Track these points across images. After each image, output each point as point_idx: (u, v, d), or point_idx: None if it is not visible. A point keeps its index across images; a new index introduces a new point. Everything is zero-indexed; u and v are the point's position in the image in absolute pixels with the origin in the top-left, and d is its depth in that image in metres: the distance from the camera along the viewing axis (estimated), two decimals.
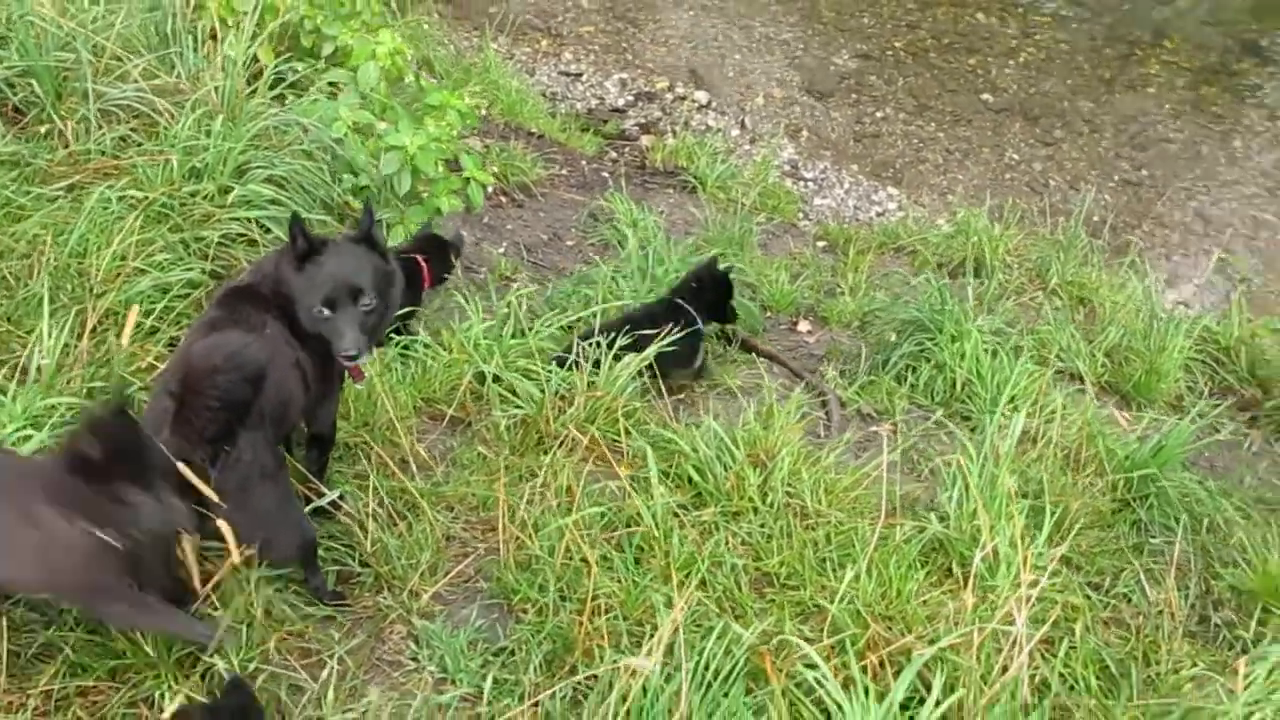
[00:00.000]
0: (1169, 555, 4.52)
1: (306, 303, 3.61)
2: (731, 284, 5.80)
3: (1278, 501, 5.77)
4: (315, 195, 5.48)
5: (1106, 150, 10.86)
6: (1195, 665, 4.01)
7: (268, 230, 5.14)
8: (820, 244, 8.30)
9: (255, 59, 5.74)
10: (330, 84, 5.93)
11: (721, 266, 5.83)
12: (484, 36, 9.77)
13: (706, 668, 3.46)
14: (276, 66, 5.76)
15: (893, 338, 6.38)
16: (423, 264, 5.26)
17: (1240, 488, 5.81)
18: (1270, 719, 3.71)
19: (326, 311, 3.60)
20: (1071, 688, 3.84)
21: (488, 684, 3.47)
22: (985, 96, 11.47)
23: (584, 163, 8.52)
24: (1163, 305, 7.77)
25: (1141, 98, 11.65)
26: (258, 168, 5.25)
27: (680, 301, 5.51)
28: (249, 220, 5.09)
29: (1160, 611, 4.31)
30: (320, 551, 3.77)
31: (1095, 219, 8.84)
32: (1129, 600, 4.46)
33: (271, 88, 5.71)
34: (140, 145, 5.21)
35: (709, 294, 5.67)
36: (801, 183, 9.95)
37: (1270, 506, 5.69)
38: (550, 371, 4.79)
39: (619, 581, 3.91)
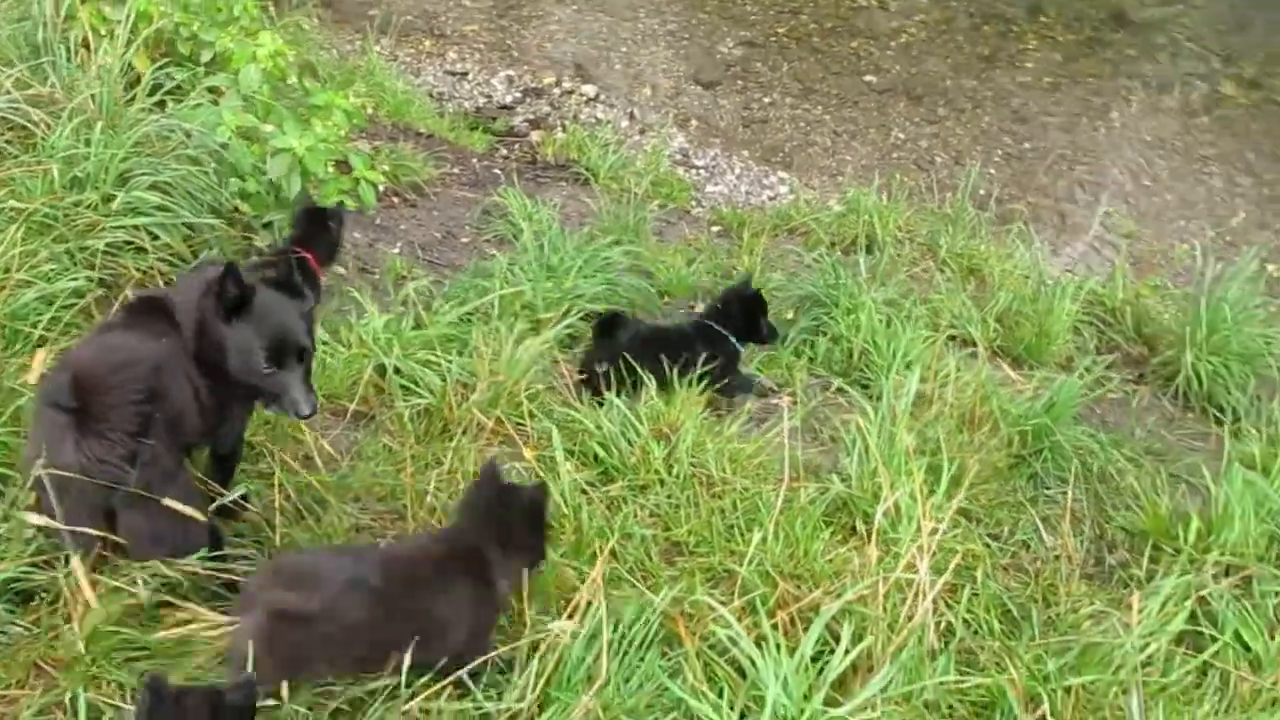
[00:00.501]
0: (1063, 504, 4.66)
1: (247, 360, 3.52)
2: (764, 301, 5.68)
3: (1165, 451, 5.96)
4: (202, 200, 5.42)
5: (989, 125, 11.11)
6: (1092, 604, 4.14)
7: (156, 237, 5.08)
8: (715, 229, 8.39)
9: (131, 67, 5.67)
10: (211, 89, 5.87)
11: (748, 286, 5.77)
12: (366, 39, 9.71)
13: (622, 636, 3.51)
14: (154, 73, 5.68)
15: (790, 314, 6.48)
16: (308, 256, 5.19)
17: (1130, 439, 5.98)
18: (1164, 649, 3.87)
19: (270, 369, 3.55)
20: (975, 631, 3.95)
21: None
22: (869, 78, 11.67)
23: (475, 160, 8.52)
24: (1050, 271, 7.97)
25: (1020, 72, 11.93)
26: (141, 175, 5.18)
27: (710, 323, 5.51)
28: (135, 228, 5.02)
29: (1057, 556, 4.45)
30: (228, 550, 3.75)
31: (981, 192, 9.01)
32: (1027, 547, 4.59)
33: (150, 94, 5.63)
34: (17, 157, 5.12)
35: (740, 315, 5.58)
36: (693, 170, 10.04)
37: (1159, 456, 5.87)
38: (450, 360, 4.81)
39: None
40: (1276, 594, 4.19)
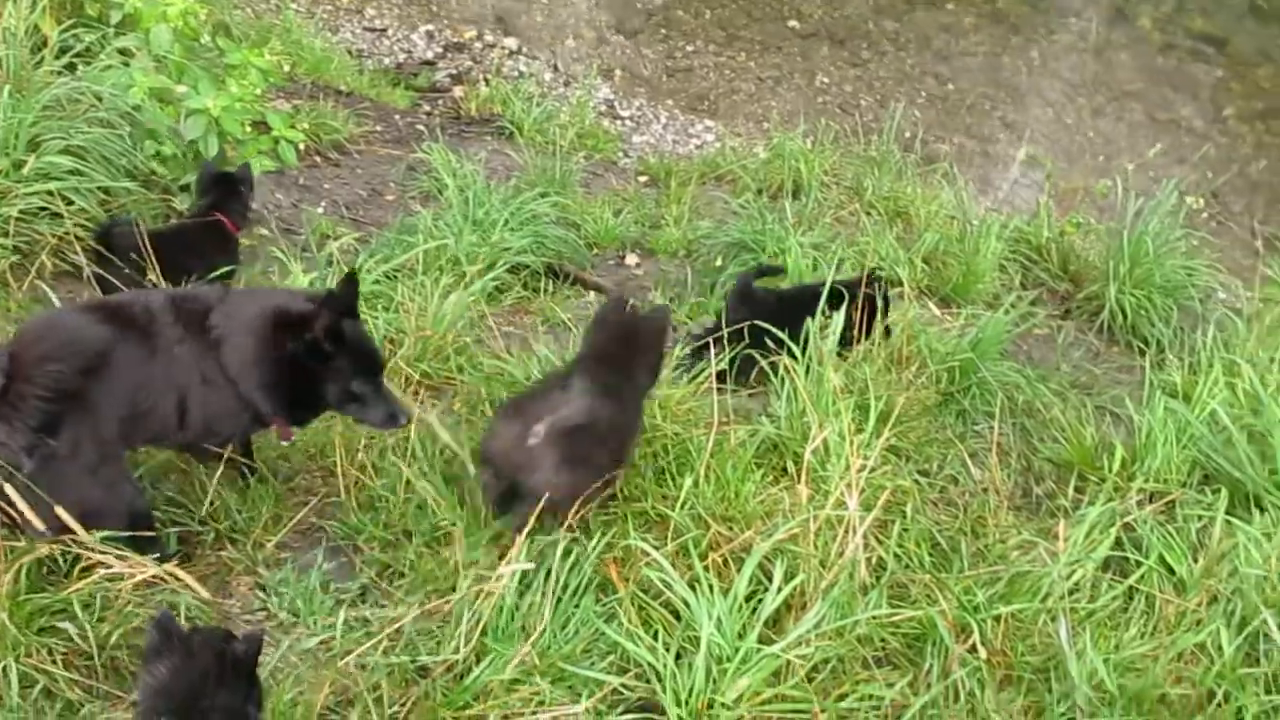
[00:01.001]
0: (990, 438, 4.71)
1: (346, 383, 3.63)
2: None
3: (1091, 384, 6.05)
4: (118, 164, 5.34)
5: (913, 67, 11.16)
6: (1020, 534, 4.20)
7: (70, 202, 4.98)
8: (642, 179, 8.39)
9: (37, 29, 5.54)
10: (121, 50, 5.75)
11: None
12: None
13: (557, 582, 3.52)
14: (61, 35, 5.56)
15: (719, 261, 6.49)
16: (223, 219, 5.13)
17: (1057, 374, 6.07)
18: (1090, 575, 3.94)
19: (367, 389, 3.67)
20: (906, 565, 3.99)
21: (340, 619, 3.47)
22: (792, 23, 11.65)
23: (397, 117, 8.44)
24: (975, 211, 8.04)
25: (942, 13, 11.97)
26: (54, 139, 5.08)
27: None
28: (49, 194, 4.92)
29: (985, 489, 4.50)
30: (159, 514, 3.72)
31: (907, 134, 9.06)
32: (956, 482, 4.65)
33: (58, 57, 5.52)
34: None
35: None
36: (619, 121, 10.01)
37: (1085, 389, 5.97)
38: (377, 316, 4.78)
39: (461, 513, 3.93)
40: (1199, 518, 4.27)
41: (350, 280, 3.61)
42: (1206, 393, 4.82)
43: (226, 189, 5.20)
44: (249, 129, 5.79)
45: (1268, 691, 3.58)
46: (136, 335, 3.42)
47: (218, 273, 4.74)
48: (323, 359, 3.56)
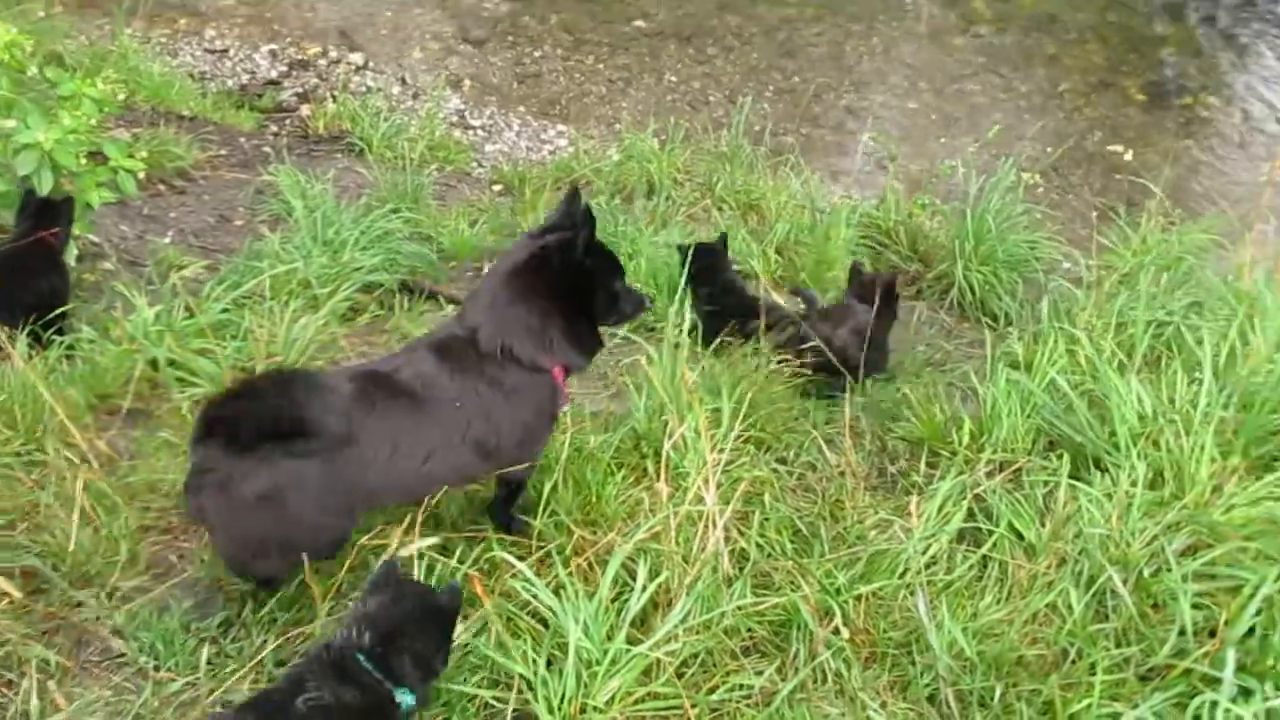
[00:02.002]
0: (843, 421, 4.80)
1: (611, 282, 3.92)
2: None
3: (944, 360, 6.20)
4: None
5: (758, 61, 11.30)
6: (877, 514, 4.29)
7: None
8: (496, 188, 8.40)
9: None
10: None
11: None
12: (117, 22, 9.32)
13: None
14: None
15: None
16: (51, 241, 5.09)
17: (911, 353, 6.21)
18: (945, 547, 4.05)
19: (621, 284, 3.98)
20: (769, 554, 4.06)
21: (203, 658, 3.43)
22: (638, 23, 11.74)
23: (243, 140, 8.33)
24: (826, 199, 8.18)
25: (784, 7, 12.15)
26: None
27: None
28: None
29: (842, 472, 4.59)
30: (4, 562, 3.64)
31: (756, 128, 9.15)
32: (814, 468, 4.73)
33: None
34: None
35: None
36: (471, 131, 9.97)
37: (938, 366, 6.11)
38: (225, 346, 4.71)
39: None
40: (1045, 483, 4.40)
41: (574, 194, 3.81)
42: (1046, 362, 4.96)
43: (49, 216, 5.16)
44: (85, 161, 5.65)
45: (1118, 645, 3.71)
46: None
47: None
48: (588, 274, 3.79)
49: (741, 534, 4.04)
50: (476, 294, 3.90)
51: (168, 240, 6.49)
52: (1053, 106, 10.99)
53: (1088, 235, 6.92)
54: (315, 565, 3.69)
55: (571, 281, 3.77)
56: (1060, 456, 4.50)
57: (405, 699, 3.00)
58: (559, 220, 3.82)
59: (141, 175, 5.97)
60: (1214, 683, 3.39)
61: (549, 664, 3.37)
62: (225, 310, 5.16)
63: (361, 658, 2.96)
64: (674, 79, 10.98)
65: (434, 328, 4.26)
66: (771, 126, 9.54)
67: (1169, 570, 3.81)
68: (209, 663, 3.45)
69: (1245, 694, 3.39)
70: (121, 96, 7.64)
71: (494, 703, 3.39)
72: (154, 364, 4.70)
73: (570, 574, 3.57)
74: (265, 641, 3.51)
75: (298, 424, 3.35)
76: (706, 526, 3.71)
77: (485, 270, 6.60)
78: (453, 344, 3.73)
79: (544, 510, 3.97)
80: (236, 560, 3.57)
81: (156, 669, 3.48)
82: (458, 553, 3.73)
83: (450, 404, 3.62)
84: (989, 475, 4.45)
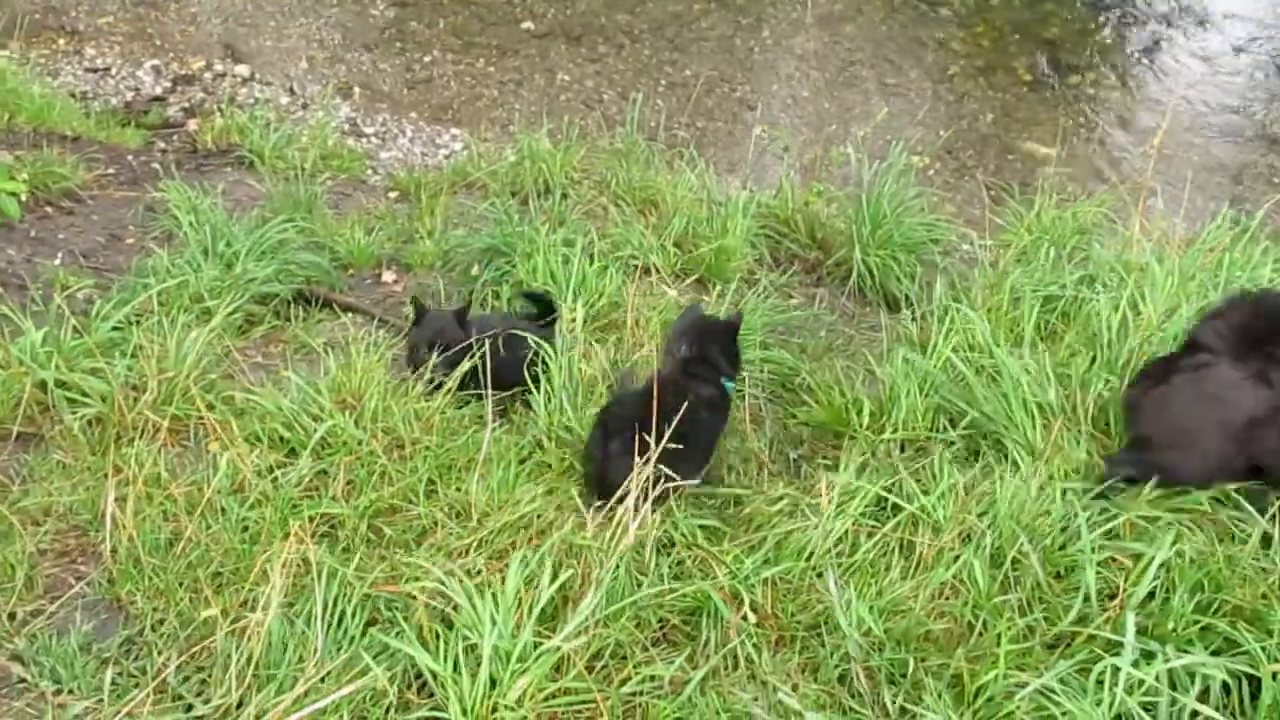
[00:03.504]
0: (744, 409, 4.83)
1: None
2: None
3: (845, 346, 6.26)
4: None
5: (649, 57, 11.33)
6: (782, 499, 4.32)
7: None
8: (393, 195, 8.31)
9: None
10: None
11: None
12: None
13: (329, 609, 3.49)
14: None
15: (474, 270, 6.49)
16: None
17: (814, 339, 6.26)
18: (850, 528, 4.09)
19: None
20: (689, 545, 4.07)
21: (107, 680, 3.36)
22: (526, 25, 11.71)
23: (130, 157, 8.17)
24: (722, 191, 8.20)
25: (672, 2, 12.17)
26: None
27: None
28: None
29: (746, 459, 4.62)
30: None
31: (651, 124, 9.15)
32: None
33: None
34: None
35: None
36: (364, 139, 9.89)
37: (840, 351, 6.16)
38: (114, 364, 4.62)
39: (227, 551, 3.86)
40: (947, 459, 4.46)
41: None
42: (942, 340, 5.02)
43: None
44: None
45: (1022, 615, 3.77)
46: None
47: None
48: None
49: (665, 522, 4.05)
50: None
51: (57, 262, 6.33)
52: (944, 90, 11.15)
53: (983, 216, 7.03)
54: (215, 584, 3.67)
55: None
56: (965, 435, 4.57)
57: (728, 385, 4.50)
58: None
59: (25, 197, 5.83)
60: (1116, 648, 3.46)
61: (455, 666, 3.35)
62: (116, 328, 5.06)
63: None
64: (566, 78, 10.97)
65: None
66: (665, 121, 9.55)
67: (1075, 541, 3.87)
68: (113, 683, 3.39)
69: (1148, 657, 3.46)
70: (2, 119, 7.50)
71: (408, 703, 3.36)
72: (44, 386, 4.59)
73: (480, 570, 3.56)
74: (168, 659, 3.44)
75: None
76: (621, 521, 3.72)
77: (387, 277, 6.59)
78: None
79: (456, 513, 3.94)
80: None
81: (58, 692, 3.41)
82: (355, 560, 3.68)
83: None
84: (889, 454, 4.51)
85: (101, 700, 3.34)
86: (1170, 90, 11.29)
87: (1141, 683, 3.35)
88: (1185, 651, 3.43)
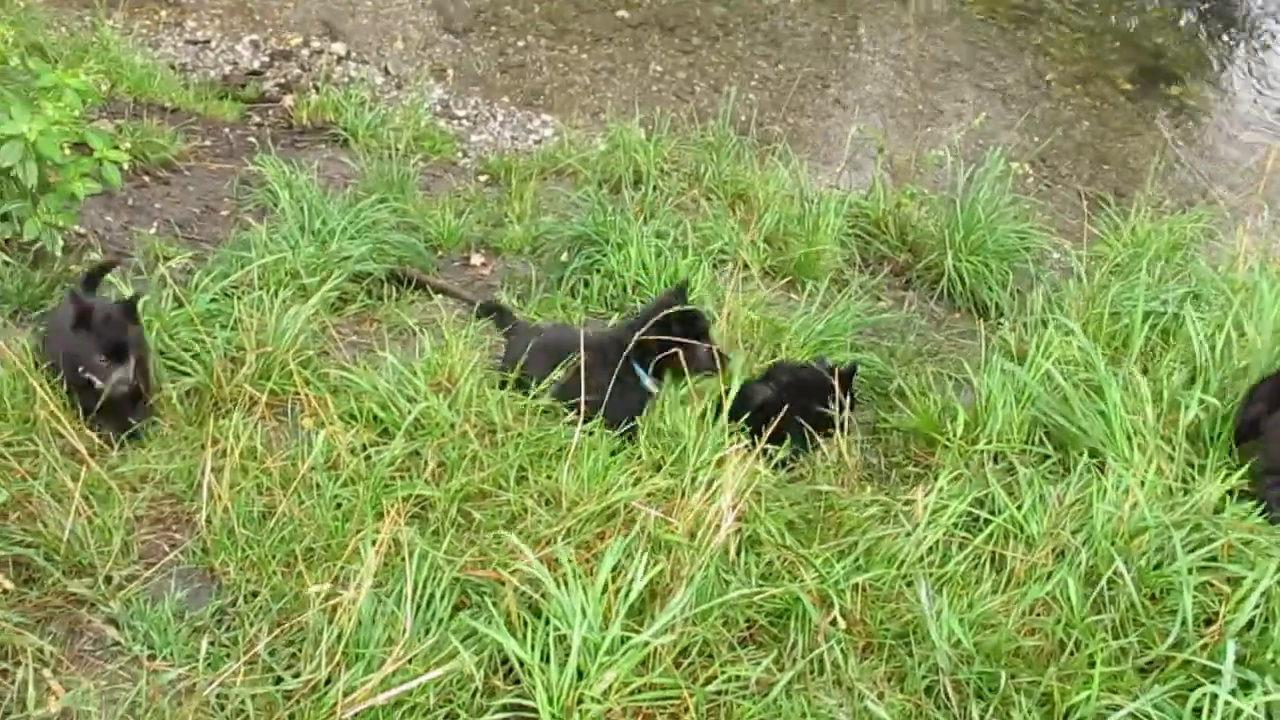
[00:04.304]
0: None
1: None
2: None
3: (935, 351, 6.19)
4: None
5: (743, 51, 11.28)
6: (873, 505, 4.28)
7: None
8: (483, 178, 8.35)
9: None
10: None
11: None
12: (96, 14, 9.23)
13: (418, 591, 3.50)
14: None
15: (564, 256, 6.49)
16: None
17: (903, 344, 6.20)
18: (942, 538, 4.04)
19: None
20: (778, 546, 4.04)
21: (202, 648, 3.39)
22: (621, 13, 11.69)
23: (227, 130, 8.27)
24: (813, 189, 8.14)
25: None
26: None
27: None
28: None
29: (838, 462, 4.58)
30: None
31: (742, 118, 9.13)
32: (813, 464, 4.71)
33: None
34: None
35: None
36: (455, 121, 9.93)
37: (930, 356, 6.10)
38: (215, 336, 4.67)
39: (320, 527, 3.88)
40: (1043, 475, 4.40)
41: None
42: (1040, 353, 4.94)
43: None
44: (69, 152, 5.59)
45: (1115, 637, 3.70)
46: None
47: None
48: None
49: (747, 523, 4.02)
50: None
51: (153, 231, 6.42)
52: (1040, 96, 11.00)
53: (1077, 225, 6.93)
54: (307, 560, 3.69)
55: None
56: (1060, 448, 4.50)
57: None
58: None
59: (126, 166, 5.90)
60: (1214, 676, 3.39)
61: (544, 655, 3.35)
62: (214, 300, 5.12)
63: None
64: (659, 69, 10.95)
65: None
66: (757, 116, 9.54)
67: (1171, 562, 3.80)
68: (205, 653, 3.42)
69: (1245, 687, 3.39)
70: (104, 88, 7.60)
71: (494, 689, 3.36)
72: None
73: (571, 560, 3.55)
74: (259, 631, 3.47)
75: None
76: (714, 519, 3.70)
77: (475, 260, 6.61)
78: None
79: (546, 500, 3.94)
80: None
81: (151, 658, 3.45)
82: (446, 543, 3.69)
83: None
84: (984, 466, 4.45)
85: (195, 668, 3.37)
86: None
87: (1240, 713, 3.28)
88: None
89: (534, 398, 4.58)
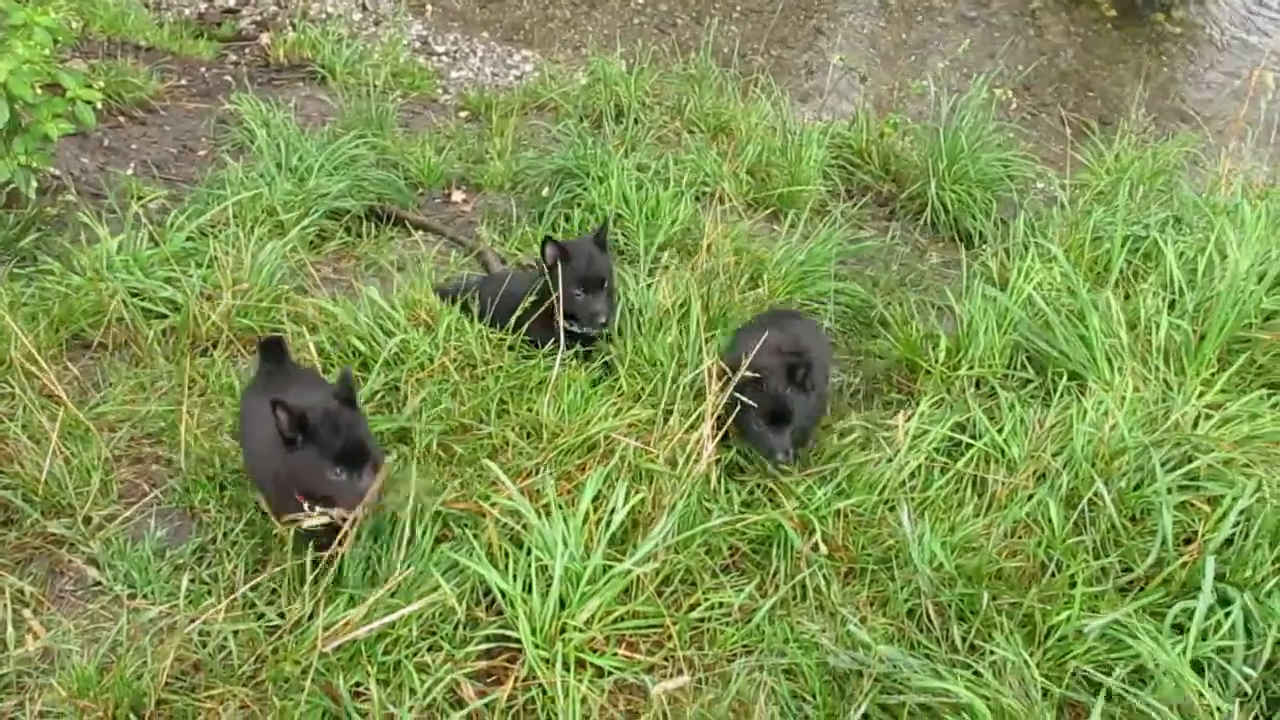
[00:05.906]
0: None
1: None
2: None
3: (918, 280, 6.17)
4: None
5: None
6: (855, 431, 4.28)
7: None
8: (463, 114, 8.26)
9: None
10: None
11: None
12: None
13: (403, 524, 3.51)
14: None
15: (545, 191, 6.44)
16: None
17: (886, 272, 6.17)
18: (923, 463, 4.04)
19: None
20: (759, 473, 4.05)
21: (182, 586, 3.38)
22: None
23: (203, 70, 8.16)
24: (797, 120, 8.08)
25: None
26: None
27: None
28: None
29: None
30: None
31: (725, 50, 9.02)
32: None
33: None
34: None
35: None
36: (435, 57, 9.81)
37: (913, 285, 6.08)
38: (188, 273, 4.63)
39: None
40: (1026, 399, 4.39)
41: None
42: (1022, 279, 4.92)
43: None
44: (40, 91, 5.51)
45: (1096, 558, 3.71)
46: None
47: None
48: None
49: (729, 450, 4.02)
50: None
51: (130, 171, 6.36)
52: (1023, 25, 10.91)
53: (1061, 153, 6.89)
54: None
55: None
56: (1040, 372, 4.49)
57: None
58: None
59: (100, 106, 5.83)
60: (1193, 593, 3.40)
61: (526, 586, 3.35)
62: (190, 239, 5.07)
63: None
64: (640, 2, 10.83)
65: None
66: (740, 48, 9.41)
67: (1151, 482, 3.80)
68: (186, 590, 3.41)
69: (1224, 603, 3.41)
70: (76, 26, 7.49)
71: (475, 620, 3.37)
72: (127, 293, 4.61)
73: (553, 492, 3.55)
74: (237, 569, 3.47)
75: None
76: (696, 445, 3.70)
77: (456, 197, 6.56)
78: None
79: (526, 433, 3.93)
80: None
81: (132, 596, 3.45)
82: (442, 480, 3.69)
83: None
84: (965, 391, 4.44)
85: (176, 605, 3.37)
86: (1263, 31, 11.00)
87: (1218, 627, 3.30)
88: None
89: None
